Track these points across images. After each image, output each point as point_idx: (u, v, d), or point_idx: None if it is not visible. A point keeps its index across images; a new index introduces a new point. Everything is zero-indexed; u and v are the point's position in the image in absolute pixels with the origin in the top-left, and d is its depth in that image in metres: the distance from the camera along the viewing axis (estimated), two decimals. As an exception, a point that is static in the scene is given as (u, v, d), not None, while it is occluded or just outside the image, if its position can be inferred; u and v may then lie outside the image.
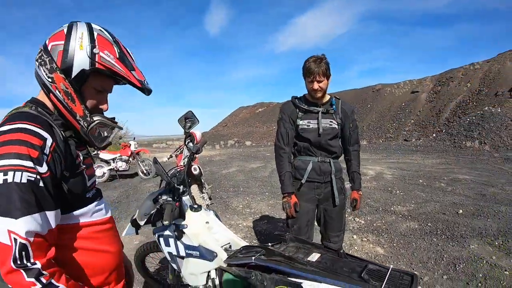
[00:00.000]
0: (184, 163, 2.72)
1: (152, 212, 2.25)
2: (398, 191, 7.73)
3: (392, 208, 6.48)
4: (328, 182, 2.89)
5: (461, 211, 6.04)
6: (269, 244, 2.23)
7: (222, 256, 2.13)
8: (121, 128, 1.45)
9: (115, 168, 11.02)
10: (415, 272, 1.77)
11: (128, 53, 1.42)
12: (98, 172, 10.81)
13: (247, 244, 2.31)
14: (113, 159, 11.06)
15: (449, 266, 4.03)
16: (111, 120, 1.47)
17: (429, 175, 9.65)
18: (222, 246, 2.23)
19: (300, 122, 2.86)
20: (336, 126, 2.85)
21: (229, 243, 2.33)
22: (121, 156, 11.16)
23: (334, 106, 2.87)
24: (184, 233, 2.25)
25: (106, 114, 1.51)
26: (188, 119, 2.76)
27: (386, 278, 1.62)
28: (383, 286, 1.54)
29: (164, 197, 2.24)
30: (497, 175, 9.16)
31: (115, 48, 1.34)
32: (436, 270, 3.96)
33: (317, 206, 2.99)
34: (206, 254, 2.15)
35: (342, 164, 3.05)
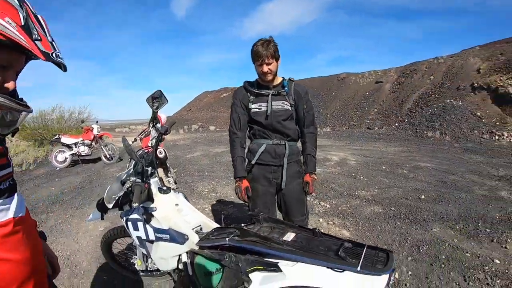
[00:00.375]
0: (151, 144, 2.67)
1: (120, 194, 2.22)
2: (361, 177, 7.87)
3: (356, 193, 6.57)
4: (283, 165, 2.85)
5: (423, 196, 6.21)
6: (243, 224, 2.20)
7: (194, 238, 2.10)
8: (30, 111, 1.21)
9: (77, 153, 10.62)
10: (391, 250, 1.77)
11: (38, 20, 1.18)
12: (60, 157, 10.46)
13: (218, 226, 2.30)
14: (75, 144, 10.64)
15: (413, 248, 4.12)
16: (18, 101, 1.19)
17: (391, 162, 9.88)
18: (193, 229, 2.20)
19: (251, 106, 2.85)
20: (289, 107, 2.83)
21: (200, 225, 2.31)
22: (83, 140, 10.76)
23: (286, 88, 2.84)
24: (153, 216, 2.21)
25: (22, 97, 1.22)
26: (156, 99, 2.66)
27: (363, 255, 1.63)
28: (360, 263, 1.55)
29: (133, 178, 2.22)
30: (457, 164, 9.49)
31: (20, 14, 1.09)
32: (401, 252, 4.04)
33: (277, 191, 2.96)
34: (177, 237, 2.13)
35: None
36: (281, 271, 1.70)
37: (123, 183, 2.28)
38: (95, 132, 10.94)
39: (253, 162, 2.88)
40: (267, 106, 2.79)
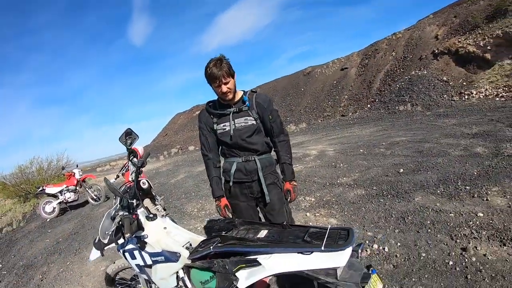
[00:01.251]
0: (132, 178, 2.83)
1: (112, 229, 2.35)
2: (341, 164, 7.97)
3: (338, 181, 6.66)
4: (256, 180, 2.85)
5: (402, 170, 6.34)
6: (222, 232, 2.37)
7: (185, 254, 2.29)
8: None
9: (64, 201, 10.49)
10: (351, 227, 1.91)
11: None
12: (48, 208, 10.32)
13: (204, 238, 2.45)
14: (60, 192, 10.53)
15: (398, 221, 4.22)
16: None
17: (368, 143, 10.04)
18: (183, 246, 2.37)
19: (216, 127, 2.84)
20: (254, 122, 2.78)
21: (188, 241, 2.45)
22: (67, 186, 10.63)
23: (247, 103, 2.78)
24: (146, 242, 2.36)
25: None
26: (128, 136, 2.87)
27: (326, 236, 1.82)
28: (323, 243, 1.75)
29: (121, 213, 2.36)
30: (432, 131, 9.73)
31: None
32: (387, 227, 4.13)
33: (257, 204, 3.00)
34: (170, 257, 2.31)
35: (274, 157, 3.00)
36: (260, 264, 1.90)
37: (113, 218, 2.42)
38: (77, 176, 10.84)
39: (230, 183, 2.89)
40: (229, 126, 2.77)
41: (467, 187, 4.77)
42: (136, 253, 2.46)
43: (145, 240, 2.35)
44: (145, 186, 6.26)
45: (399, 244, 3.62)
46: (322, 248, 1.72)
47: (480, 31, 17.63)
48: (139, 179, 7.04)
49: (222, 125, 2.81)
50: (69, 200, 10.58)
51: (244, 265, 1.99)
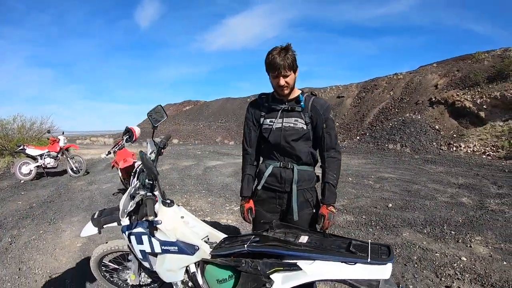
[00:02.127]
0: (152, 158, 2.66)
1: (132, 208, 2.31)
2: (330, 188, 8.22)
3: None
4: (289, 192, 2.56)
5: (390, 205, 6.66)
6: (253, 232, 2.41)
7: (205, 248, 2.22)
8: None
9: (42, 165, 10.34)
10: (390, 244, 2.07)
11: None
12: (24, 169, 10.16)
13: (226, 235, 2.43)
14: (41, 155, 10.36)
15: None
16: None
17: (357, 173, 10.37)
18: (201, 239, 2.31)
19: (263, 121, 2.62)
20: (304, 126, 2.51)
21: (207, 235, 2.41)
22: (49, 152, 10.48)
23: (302, 103, 2.52)
24: (158, 229, 2.26)
25: None
26: (158, 113, 2.81)
27: (369, 250, 1.90)
28: (369, 256, 1.83)
29: (142, 192, 2.24)
30: (419, 174, 10.13)
31: None
32: (376, 254, 4.38)
33: (282, 219, 2.68)
34: (186, 248, 2.23)
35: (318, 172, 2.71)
36: (301, 269, 1.91)
37: (132, 197, 2.35)
38: (61, 143, 10.69)
39: (259, 187, 2.67)
40: (277, 123, 2.56)
41: (452, 232, 5.11)
42: (144, 238, 2.33)
43: (158, 226, 2.24)
44: (140, 155, 6.21)
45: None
46: (368, 260, 1.80)
47: (479, 89, 18.33)
48: (133, 160, 7.11)
49: (269, 120, 2.59)
50: (48, 165, 10.47)
51: (281, 268, 1.97)
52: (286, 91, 2.47)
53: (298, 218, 2.53)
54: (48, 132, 12.59)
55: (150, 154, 2.74)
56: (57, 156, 10.67)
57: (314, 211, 2.61)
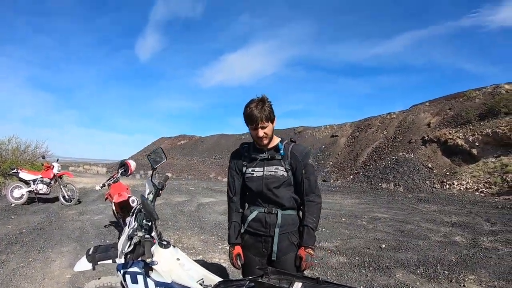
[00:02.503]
0: (150, 199, 2.69)
1: (129, 249, 2.31)
2: (323, 229, 8.20)
3: (320, 244, 6.88)
4: (274, 236, 2.63)
5: (384, 245, 6.63)
6: (248, 278, 2.32)
7: None
8: None
9: (35, 191, 10.29)
10: None
11: None
12: (16, 193, 10.11)
13: (221, 279, 2.41)
14: (34, 180, 10.32)
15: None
16: None
17: (350, 214, 10.34)
18: (196, 282, 2.30)
19: (245, 170, 2.72)
20: (285, 173, 2.61)
21: (202, 278, 2.40)
22: (42, 178, 10.45)
23: (281, 151, 2.63)
24: (153, 269, 2.27)
25: None
26: (157, 155, 2.93)
27: None
28: None
29: (140, 233, 2.27)
30: (412, 214, 10.14)
31: None
32: (368, 297, 4.35)
33: (270, 263, 2.70)
34: None
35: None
36: None
37: (130, 237, 2.35)
38: (55, 170, 10.66)
39: (242, 230, 2.76)
40: (258, 172, 2.65)
41: (446, 272, 5.09)
42: (140, 277, 2.33)
43: (154, 267, 2.24)
44: (134, 204, 6.10)
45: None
46: None
47: (471, 127, 18.65)
48: (127, 194, 7.10)
49: (251, 169, 2.69)
50: (40, 191, 10.40)
51: None
52: (265, 141, 2.58)
53: (282, 262, 2.58)
54: (43, 157, 12.56)
55: (148, 194, 2.79)
56: (50, 182, 10.62)
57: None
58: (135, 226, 2.41)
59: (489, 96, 20.85)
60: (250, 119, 2.49)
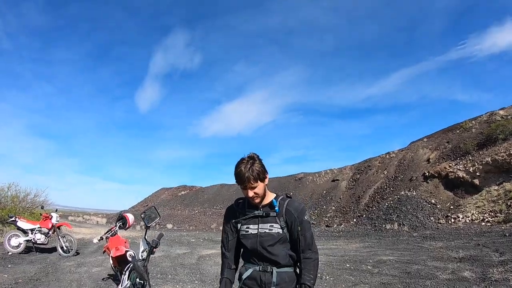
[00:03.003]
0: (142, 257, 2.77)
1: None
2: (327, 277, 7.89)
3: (321, 294, 6.57)
4: None
5: (390, 289, 6.30)
6: None
7: None
8: None
9: (32, 240, 10.15)
10: None
11: None
12: (14, 242, 9.97)
13: None
14: (32, 230, 10.23)
15: None
16: None
17: (354, 259, 10.01)
18: None
19: (240, 227, 2.65)
20: (280, 230, 2.54)
21: None
22: (40, 227, 10.36)
23: (276, 208, 2.56)
24: None
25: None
26: (152, 213, 3.02)
27: None
28: None
29: None
30: (418, 253, 9.81)
31: None
32: None
33: None
34: None
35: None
36: None
37: None
38: (53, 220, 10.55)
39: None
40: (252, 230, 2.60)
41: (455, 312, 4.77)
42: None
43: None
44: (131, 259, 6.10)
45: None
46: None
47: (470, 158, 18.60)
48: (125, 248, 6.95)
49: (245, 227, 2.63)
50: (38, 241, 10.27)
51: None
52: (257, 201, 2.52)
53: None
54: (42, 207, 12.59)
55: (142, 252, 2.87)
56: (48, 233, 10.51)
57: None
58: (128, 285, 2.47)
59: (485, 124, 21.00)
60: (239, 180, 2.45)
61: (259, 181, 2.44)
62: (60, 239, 10.56)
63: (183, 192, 42.61)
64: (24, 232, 10.31)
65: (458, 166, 18.87)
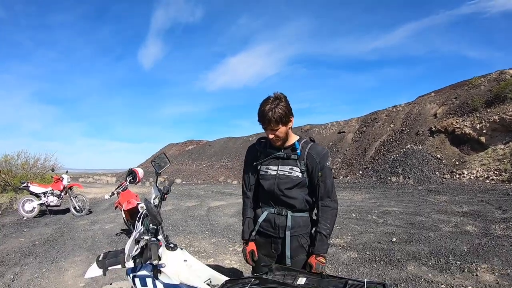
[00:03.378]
0: (155, 203, 2.72)
1: (136, 252, 2.38)
2: (334, 226, 8.16)
3: (331, 241, 6.86)
4: (283, 238, 2.53)
5: (394, 239, 6.60)
6: (253, 275, 2.41)
7: None
8: None
9: (45, 203, 10.47)
10: (386, 282, 2.03)
11: None
12: (28, 207, 10.28)
13: (228, 278, 2.42)
14: (44, 193, 10.50)
15: (392, 287, 4.43)
16: None
17: (360, 209, 10.30)
18: (204, 282, 2.31)
19: (260, 167, 2.61)
20: (299, 174, 2.48)
21: (209, 278, 2.40)
22: (52, 190, 10.63)
23: (298, 151, 2.48)
24: (162, 272, 2.28)
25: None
26: (161, 160, 2.95)
27: None
28: None
29: (146, 237, 2.29)
30: (423, 205, 10.09)
31: None
32: (380, 291, 4.33)
33: (279, 263, 2.56)
34: None
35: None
36: None
37: (137, 241, 2.38)
38: (65, 182, 10.82)
39: (253, 233, 2.68)
40: (272, 171, 2.55)
41: (458, 262, 5.06)
42: (148, 280, 2.33)
43: (162, 269, 2.25)
44: (143, 202, 6.25)
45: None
46: None
47: (478, 115, 18.51)
48: (136, 201, 7.18)
49: (265, 167, 2.58)
50: (51, 204, 10.57)
51: None
52: (278, 143, 2.47)
53: (292, 264, 2.49)
54: (52, 170, 12.72)
55: (154, 199, 2.80)
56: (60, 194, 10.78)
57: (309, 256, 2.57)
58: (142, 230, 2.41)
59: (494, 82, 20.70)
60: (261, 119, 2.39)
61: (281, 125, 2.35)
62: (73, 200, 10.82)
63: (190, 147, 42.64)
64: (37, 196, 10.54)
65: (465, 123, 18.83)
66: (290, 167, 2.49)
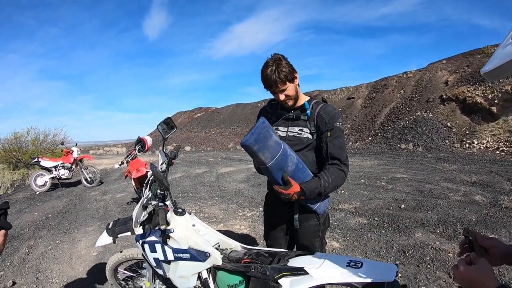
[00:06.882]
0: (162, 169, 2.73)
1: (144, 218, 2.37)
2: (343, 191, 8.21)
3: (340, 206, 6.91)
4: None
5: (403, 205, 6.60)
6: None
7: (216, 255, 2.26)
8: None
9: (57, 177, 10.62)
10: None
11: None
12: (39, 181, 10.44)
13: (237, 242, 2.49)
14: (55, 167, 10.64)
15: (399, 253, 4.47)
16: None
17: (369, 175, 10.30)
18: (213, 246, 2.34)
19: None
20: (309, 136, 2.39)
21: (218, 243, 2.44)
22: (63, 163, 10.76)
23: (308, 111, 2.40)
24: (170, 237, 2.29)
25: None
26: (168, 125, 2.91)
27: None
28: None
29: (154, 202, 2.31)
30: (432, 173, 10.04)
31: None
32: (389, 257, 4.38)
33: (289, 227, 2.61)
34: (198, 256, 2.25)
35: None
36: (307, 273, 1.93)
37: (144, 207, 2.40)
38: (75, 155, 10.92)
39: (267, 190, 2.70)
40: (281, 132, 2.47)
41: (466, 231, 5.06)
42: (157, 246, 2.35)
43: (171, 234, 2.25)
44: (150, 167, 6.30)
45: (400, 275, 3.86)
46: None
47: (490, 84, 18.08)
48: (145, 169, 7.24)
49: (275, 128, 2.49)
50: (63, 177, 10.72)
51: (288, 273, 1.99)
52: (290, 103, 2.39)
53: (303, 228, 2.48)
54: (62, 144, 12.85)
55: (161, 165, 2.80)
56: (71, 167, 10.92)
57: (319, 222, 2.51)
58: (150, 196, 2.43)
59: (507, 51, 20.10)
60: (267, 84, 2.31)
61: (287, 82, 2.28)
62: (83, 171, 10.97)
63: (198, 114, 42.43)
64: (48, 170, 10.65)
65: (476, 92, 18.41)
66: (300, 128, 2.42)
